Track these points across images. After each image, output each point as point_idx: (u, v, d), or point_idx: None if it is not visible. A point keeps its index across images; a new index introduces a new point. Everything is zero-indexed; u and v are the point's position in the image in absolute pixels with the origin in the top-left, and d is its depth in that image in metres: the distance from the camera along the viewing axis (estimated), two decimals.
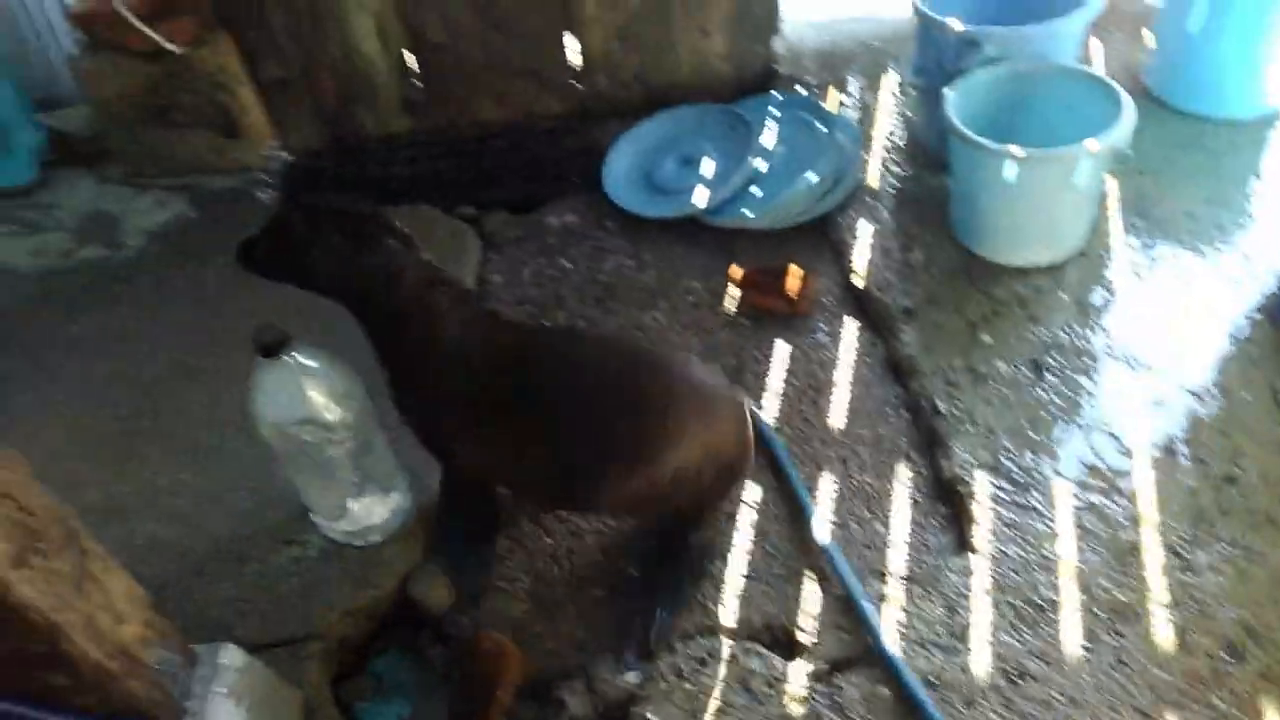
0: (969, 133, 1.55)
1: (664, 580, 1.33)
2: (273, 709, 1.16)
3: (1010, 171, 1.54)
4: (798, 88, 2.05)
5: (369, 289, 1.17)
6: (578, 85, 2.07)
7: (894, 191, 1.85)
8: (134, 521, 1.43)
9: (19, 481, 0.81)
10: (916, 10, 1.75)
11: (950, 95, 1.62)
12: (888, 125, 1.99)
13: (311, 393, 1.22)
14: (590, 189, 1.94)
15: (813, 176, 1.78)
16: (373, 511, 1.37)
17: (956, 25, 1.67)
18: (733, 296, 1.71)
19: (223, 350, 1.61)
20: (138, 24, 1.77)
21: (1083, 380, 1.49)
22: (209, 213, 1.99)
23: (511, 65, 2.03)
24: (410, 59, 1.99)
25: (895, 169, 1.89)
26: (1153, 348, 1.52)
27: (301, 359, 1.21)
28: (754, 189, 1.84)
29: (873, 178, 1.87)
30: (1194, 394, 1.45)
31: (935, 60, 1.75)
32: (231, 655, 1.11)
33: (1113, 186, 1.77)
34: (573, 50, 2.02)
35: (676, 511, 1.30)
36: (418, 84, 2.03)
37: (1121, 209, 1.74)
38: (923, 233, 1.75)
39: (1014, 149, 1.50)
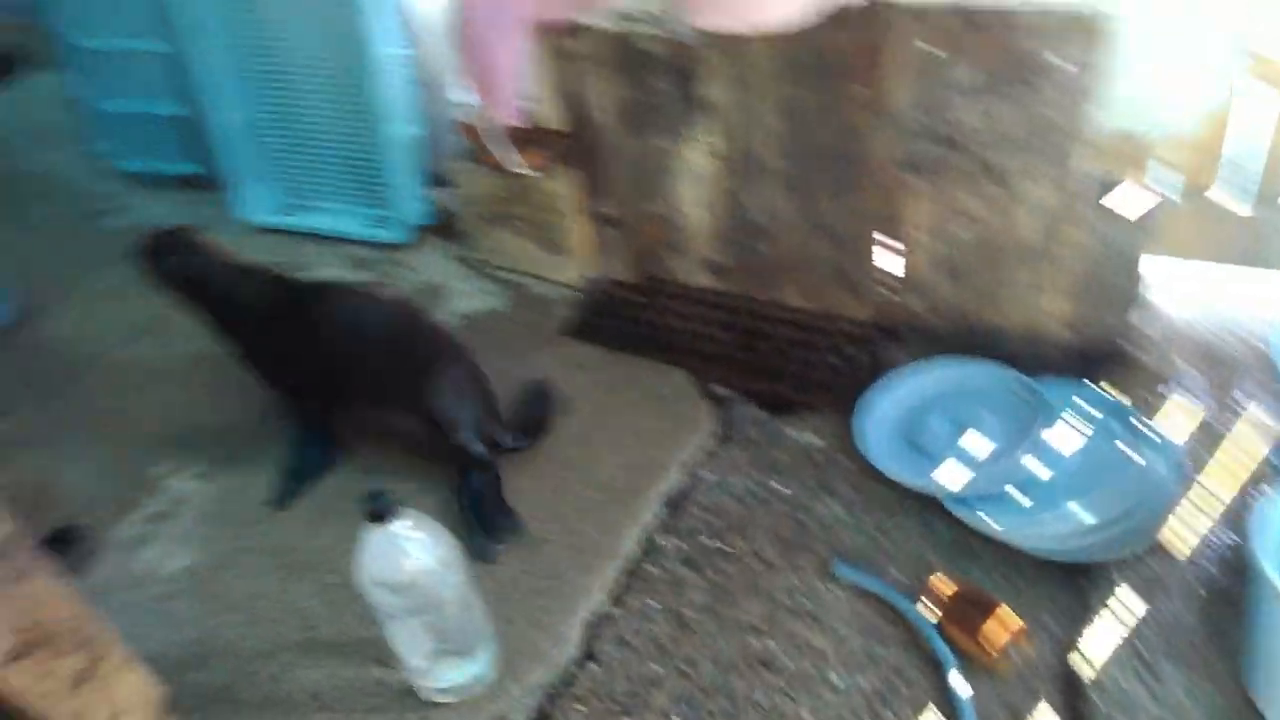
0: None
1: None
2: None
3: None
4: (1126, 396, 1.69)
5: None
6: (889, 298, 1.92)
7: (1196, 579, 1.43)
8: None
9: (43, 588, 0.95)
10: None
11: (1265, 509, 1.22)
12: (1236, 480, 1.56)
13: (407, 562, 1.27)
14: (848, 411, 1.79)
15: (1085, 517, 1.46)
16: (448, 675, 1.40)
17: None
18: (928, 606, 1.47)
19: None
20: (500, 148, 1.98)
21: None
22: (517, 314, 2.16)
23: (823, 262, 1.94)
24: (728, 230, 2.00)
25: (1217, 550, 1.47)
26: None
27: (405, 529, 1.26)
28: (1017, 493, 1.56)
29: (1178, 542, 1.48)
30: None
31: None
32: None
33: None
34: (892, 264, 1.87)
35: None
36: (728, 253, 2.03)
37: None
38: (1203, 656, 1.33)
39: None
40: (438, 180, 2.33)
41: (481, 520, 1.64)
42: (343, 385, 1.76)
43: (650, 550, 1.62)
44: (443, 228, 2.36)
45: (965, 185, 1.72)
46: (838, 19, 1.61)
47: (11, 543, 0.93)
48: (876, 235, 1.86)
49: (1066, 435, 1.62)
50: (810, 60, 1.72)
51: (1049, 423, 1.61)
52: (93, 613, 1.02)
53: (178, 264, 1.74)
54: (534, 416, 1.81)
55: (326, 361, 1.74)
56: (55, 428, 2.00)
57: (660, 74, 1.86)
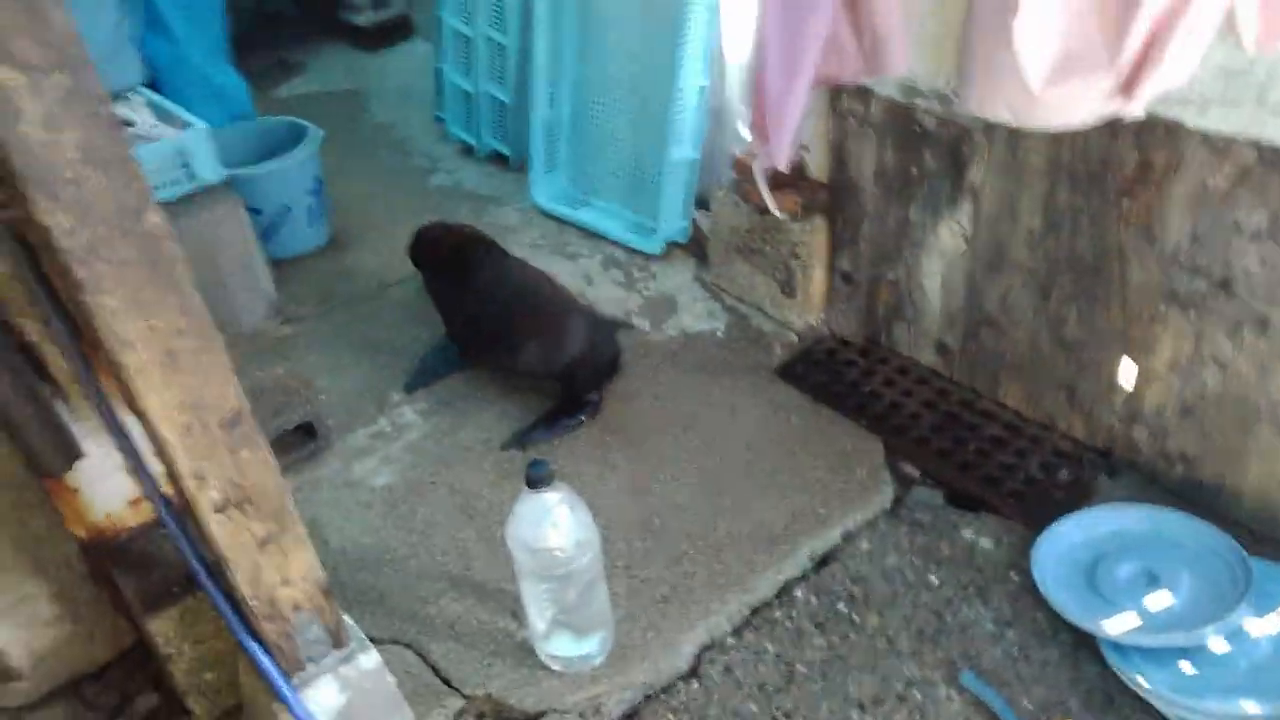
0: None
1: (550, 415, 2.03)
2: (371, 706, 1.40)
3: None
4: None
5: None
6: (1113, 426, 1.81)
7: None
8: None
9: (255, 461, 1.16)
10: None
11: None
12: None
13: (551, 531, 1.40)
14: (1034, 527, 1.70)
15: (1253, 709, 1.32)
16: (561, 645, 1.51)
17: None
18: None
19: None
20: (760, 185, 2.07)
21: None
22: (735, 342, 2.25)
23: (1051, 369, 1.86)
24: (960, 314, 1.96)
25: None
26: None
27: (556, 499, 1.39)
28: (1188, 665, 1.43)
29: None
30: None
31: None
32: (367, 659, 1.38)
33: None
34: (1124, 390, 1.76)
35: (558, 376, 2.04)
36: (955, 337, 1.99)
37: None
38: None
39: None
40: (700, 203, 2.47)
41: (549, 425, 2.01)
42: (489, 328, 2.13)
43: (783, 596, 1.65)
44: (691, 246, 2.50)
45: (1226, 331, 1.59)
46: (1118, 129, 1.55)
47: (241, 417, 1.15)
48: (1116, 357, 1.75)
49: (1268, 623, 1.45)
50: (1082, 166, 1.66)
51: (1257, 610, 1.46)
52: (288, 493, 1.23)
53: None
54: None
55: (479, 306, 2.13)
56: (332, 338, 2.35)
57: (932, 150, 1.87)
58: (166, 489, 1.26)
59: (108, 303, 0.99)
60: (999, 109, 1.57)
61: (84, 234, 0.95)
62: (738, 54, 2.31)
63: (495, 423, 2.03)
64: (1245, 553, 1.54)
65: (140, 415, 1.09)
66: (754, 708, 1.47)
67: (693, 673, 1.54)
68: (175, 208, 2.16)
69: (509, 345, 2.06)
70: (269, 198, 2.58)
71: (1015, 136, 1.73)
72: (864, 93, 1.94)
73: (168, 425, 1.08)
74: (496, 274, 2.16)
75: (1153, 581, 1.55)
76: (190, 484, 1.13)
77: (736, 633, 1.59)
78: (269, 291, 2.42)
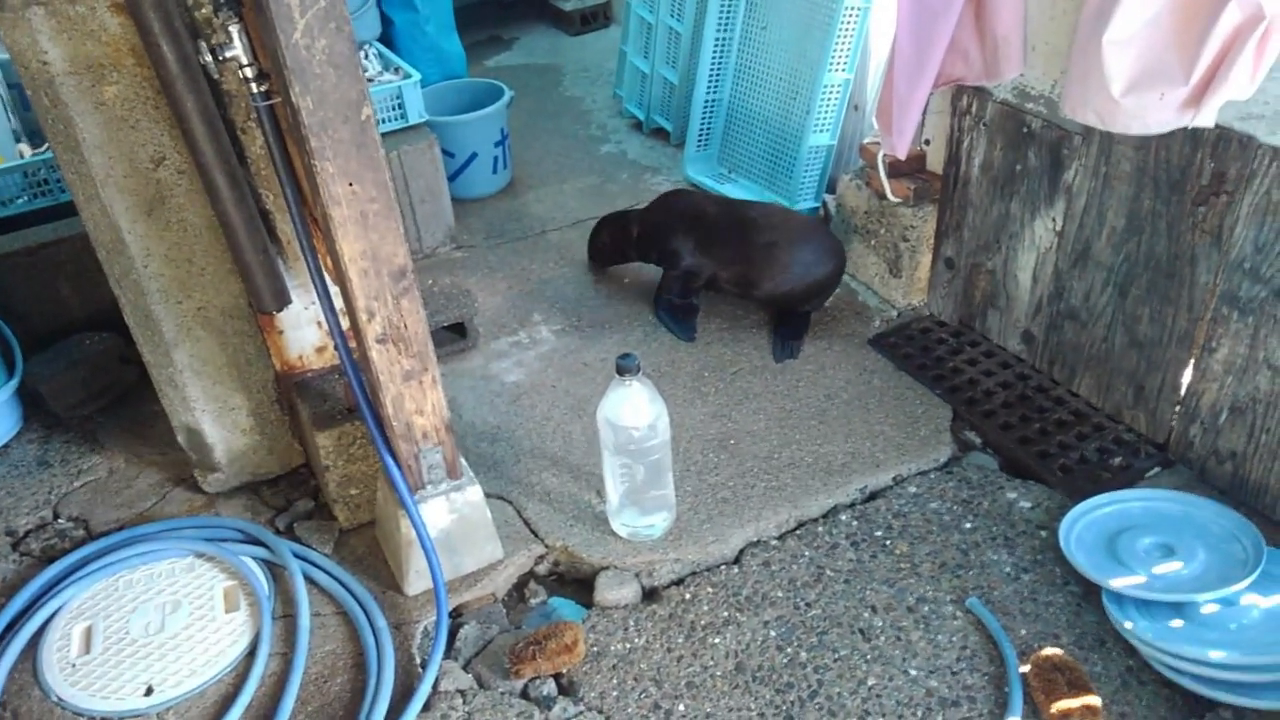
0: None
1: (789, 332, 2.36)
2: (468, 535, 1.75)
3: None
4: None
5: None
6: (1173, 423, 1.93)
7: None
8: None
9: (411, 309, 1.52)
10: None
11: None
12: None
13: (630, 411, 1.70)
14: (1074, 500, 1.86)
15: (1218, 655, 1.45)
16: (629, 518, 1.82)
17: None
18: (1028, 660, 1.56)
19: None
20: (881, 173, 2.30)
21: None
22: (835, 312, 2.46)
23: (1123, 367, 2.00)
24: (1046, 306, 2.12)
25: None
26: None
27: (638, 388, 1.69)
28: (1178, 622, 1.57)
29: None
30: None
31: None
32: (473, 492, 1.73)
33: None
34: (1185, 389, 1.88)
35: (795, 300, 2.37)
36: (1040, 327, 2.15)
37: None
38: None
39: None
40: (830, 187, 2.70)
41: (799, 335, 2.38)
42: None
43: (829, 517, 1.88)
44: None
45: None
46: (1199, 140, 1.70)
47: (405, 273, 1.51)
48: (1182, 357, 1.88)
49: (1266, 600, 1.57)
50: (1164, 173, 1.80)
51: (1260, 591, 1.58)
52: (430, 341, 1.58)
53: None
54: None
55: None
56: (494, 266, 2.75)
57: (1035, 149, 2.04)
58: (346, 330, 1.65)
59: (328, 168, 1.37)
60: (1088, 113, 1.75)
61: (320, 114, 1.33)
62: (881, 53, 2.54)
63: (614, 348, 2.35)
64: (1264, 540, 1.65)
65: (336, 259, 1.48)
66: (780, 594, 1.73)
67: (735, 561, 1.81)
68: (386, 139, 2.61)
69: (771, 272, 2.32)
70: (461, 143, 3.01)
71: (1109, 142, 1.89)
72: (982, 94, 2.13)
73: (354, 269, 1.46)
74: (760, 211, 2.43)
75: (1168, 554, 1.68)
76: (362, 317, 1.50)
77: (780, 538, 1.84)
78: (448, 221, 2.85)
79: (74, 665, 1.65)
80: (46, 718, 1.57)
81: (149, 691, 1.60)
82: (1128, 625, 1.57)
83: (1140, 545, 1.71)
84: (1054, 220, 2.05)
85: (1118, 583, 1.63)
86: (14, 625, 1.71)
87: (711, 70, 2.98)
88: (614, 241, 2.60)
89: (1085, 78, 1.72)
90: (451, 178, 2.99)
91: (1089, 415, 2.07)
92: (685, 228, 2.41)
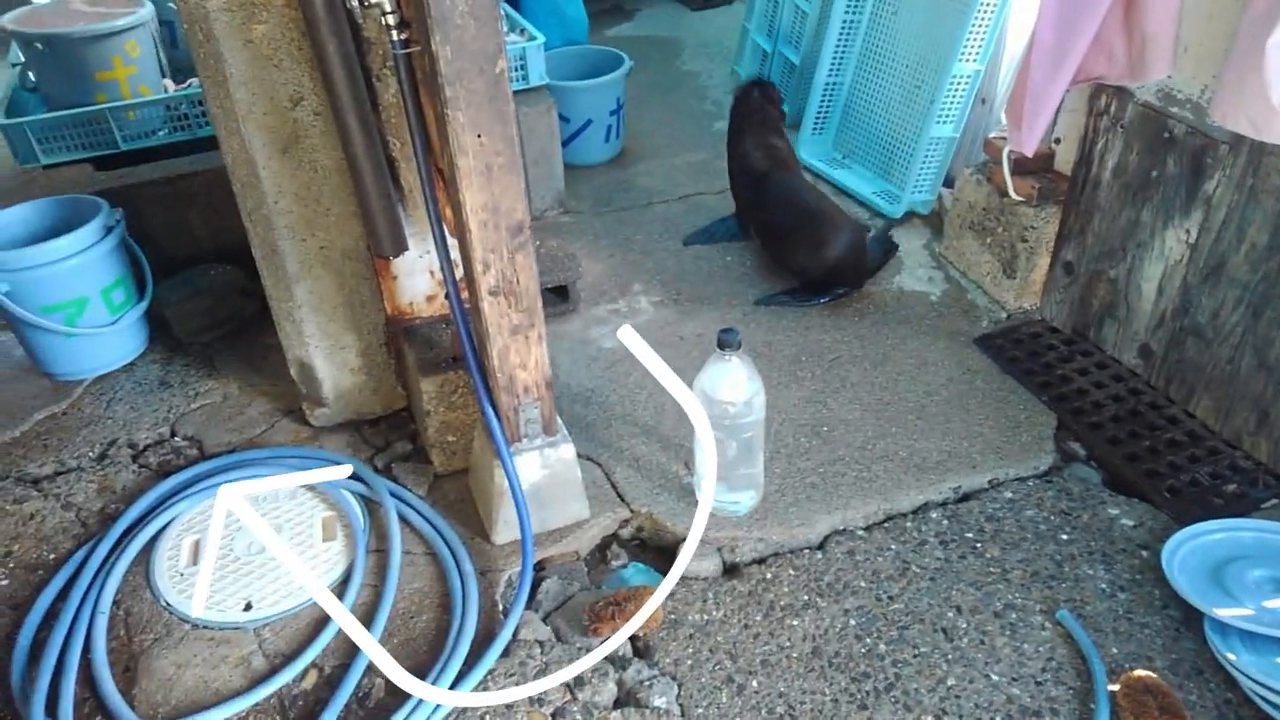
0: None
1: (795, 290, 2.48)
2: (557, 491, 1.77)
3: None
4: None
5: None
6: None
7: None
8: None
9: (524, 266, 1.54)
10: None
11: None
12: None
13: (728, 386, 1.70)
14: (1180, 523, 1.78)
15: None
16: (718, 492, 1.82)
17: None
18: (1118, 680, 1.52)
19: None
20: (1005, 169, 2.23)
21: None
22: (945, 307, 2.41)
23: (1248, 392, 1.90)
24: (1169, 320, 2.03)
25: None
26: None
27: (738, 364, 1.69)
28: None
29: None
30: None
31: None
32: (566, 449, 1.76)
33: None
34: None
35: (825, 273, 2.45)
36: (1160, 342, 2.06)
37: None
38: None
39: None
40: (947, 182, 2.63)
41: (791, 294, 2.48)
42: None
43: (919, 513, 1.85)
44: (930, 218, 2.67)
45: None
46: None
47: (523, 228, 1.53)
48: None
49: None
50: None
51: None
52: (539, 297, 1.61)
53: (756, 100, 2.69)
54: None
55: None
56: (599, 233, 2.77)
57: (1175, 156, 1.95)
58: (459, 279, 1.68)
59: (459, 118, 1.40)
60: (1240, 120, 1.66)
61: (457, 64, 1.35)
62: (1015, 46, 2.46)
63: (711, 324, 2.35)
64: None
65: (457, 209, 1.51)
66: (863, 584, 1.71)
67: (820, 547, 1.79)
68: None
69: (790, 245, 2.49)
70: (578, 109, 3.04)
71: (1259, 153, 1.79)
72: (1123, 95, 2.04)
73: (474, 220, 1.49)
74: (790, 189, 2.56)
75: (1279, 589, 1.61)
76: (478, 268, 1.53)
77: (867, 529, 1.82)
78: (559, 186, 2.88)
79: (182, 574, 1.74)
80: (155, 619, 1.67)
81: (248, 607, 1.68)
82: (1231, 657, 1.50)
83: (1250, 577, 1.64)
84: (1188, 232, 1.96)
85: (1224, 613, 1.56)
86: (130, 531, 1.82)
87: (836, 52, 2.93)
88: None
89: (1242, 82, 1.64)
90: (565, 143, 3.02)
91: (1204, 438, 1.99)
92: (743, 184, 2.65)
